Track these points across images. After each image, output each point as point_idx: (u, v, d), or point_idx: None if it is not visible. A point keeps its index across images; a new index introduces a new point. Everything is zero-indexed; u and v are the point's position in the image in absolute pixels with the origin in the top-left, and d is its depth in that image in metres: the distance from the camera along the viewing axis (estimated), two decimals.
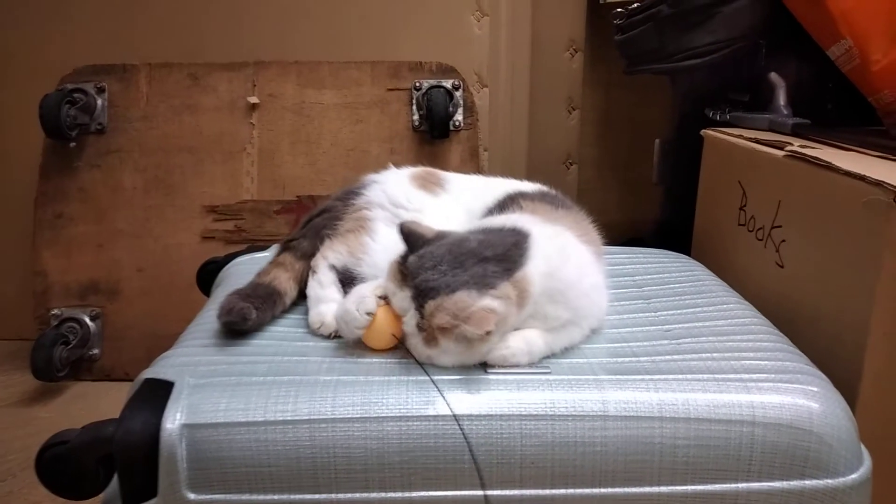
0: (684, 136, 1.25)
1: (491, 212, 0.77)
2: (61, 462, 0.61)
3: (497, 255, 0.66)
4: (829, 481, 0.61)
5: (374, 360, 0.67)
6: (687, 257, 0.98)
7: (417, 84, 1.24)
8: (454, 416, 0.60)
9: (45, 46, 1.29)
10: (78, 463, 0.60)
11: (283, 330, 0.74)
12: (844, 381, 0.68)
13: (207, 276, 1.00)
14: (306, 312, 0.77)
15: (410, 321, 0.64)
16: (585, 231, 0.79)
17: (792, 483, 0.61)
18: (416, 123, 1.25)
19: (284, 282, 0.79)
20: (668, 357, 0.68)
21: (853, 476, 0.62)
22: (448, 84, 1.24)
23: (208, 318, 0.77)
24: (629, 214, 1.50)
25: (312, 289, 0.77)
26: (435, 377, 0.63)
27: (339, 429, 0.60)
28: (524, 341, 0.66)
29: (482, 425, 0.60)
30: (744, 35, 1.06)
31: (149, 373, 0.66)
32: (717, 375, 0.65)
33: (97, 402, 1.17)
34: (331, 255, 0.79)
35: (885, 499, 0.63)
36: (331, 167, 1.25)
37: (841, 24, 0.91)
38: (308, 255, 0.82)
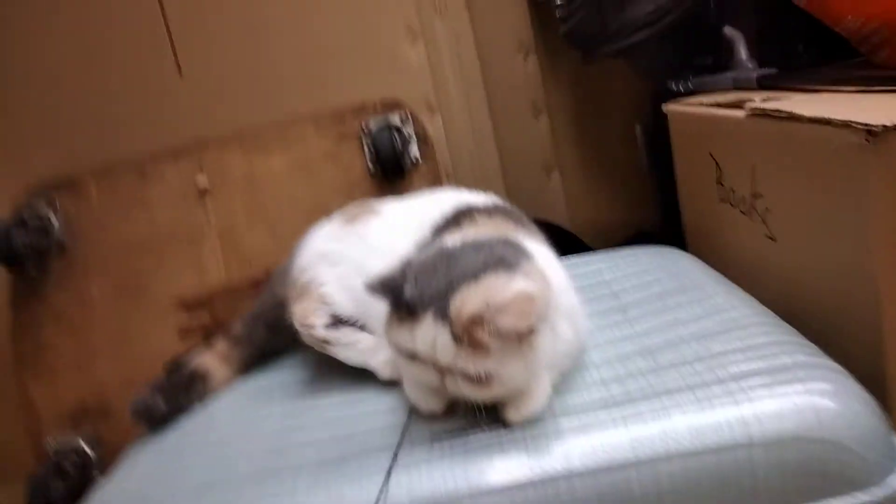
0: (659, 116, 1.15)
1: (441, 230, 0.68)
2: None
3: (501, 243, 0.57)
4: (861, 495, 0.50)
5: (308, 451, 0.59)
6: (672, 250, 0.87)
7: (364, 126, 1.18)
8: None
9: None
10: None
11: (216, 436, 0.67)
12: (866, 365, 0.57)
13: None
14: (245, 407, 0.71)
15: (443, 343, 0.52)
16: (547, 246, 0.70)
17: None
18: (372, 168, 1.18)
19: (210, 362, 0.79)
20: (642, 380, 0.58)
21: (891, 480, 0.50)
22: (395, 119, 1.17)
23: (142, 438, 0.71)
24: (628, 211, 1.38)
25: (341, 350, 0.71)
26: (364, 461, 0.55)
27: None
28: (541, 382, 0.56)
29: None
30: None
31: None
32: (698, 392, 0.54)
33: None
34: (313, 319, 0.72)
35: None
36: (293, 232, 1.17)
37: None
38: (241, 340, 0.81)
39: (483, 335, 0.51)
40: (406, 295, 0.54)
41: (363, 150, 1.18)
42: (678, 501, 0.50)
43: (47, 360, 1.20)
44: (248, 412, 0.70)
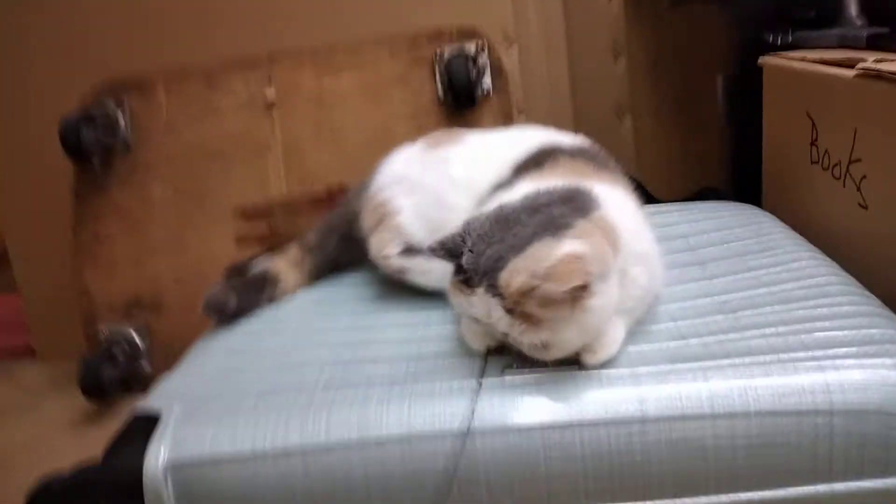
0: (747, 68, 1.10)
1: (521, 169, 0.67)
2: None
3: (560, 200, 0.56)
4: None
5: (378, 366, 0.60)
6: (752, 207, 0.85)
7: (438, 53, 1.15)
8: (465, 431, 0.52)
9: (61, 66, 1.28)
10: None
11: (284, 339, 0.67)
12: None
13: None
14: (313, 318, 0.71)
15: (497, 315, 0.52)
16: (629, 191, 0.68)
17: (889, 481, 0.49)
18: (442, 95, 1.15)
19: (282, 267, 0.79)
20: (722, 336, 0.57)
21: None
22: (471, 48, 1.14)
23: (210, 334, 0.72)
24: (698, 162, 1.34)
25: (418, 277, 0.71)
26: (436, 383, 0.55)
27: (334, 456, 0.53)
28: (615, 327, 0.56)
29: (498, 440, 0.52)
30: None
31: (140, 405, 0.61)
32: (782, 355, 0.53)
33: None
34: (388, 249, 0.73)
35: None
36: (358, 153, 1.18)
37: None
38: (314, 248, 0.81)
39: (532, 307, 0.50)
40: (463, 264, 0.54)
41: (435, 76, 1.16)
42: (752, 458, 0.50)
43: (105, 251, 1.23)
44: (316, 322, 0.70)
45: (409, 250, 0.71)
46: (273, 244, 1.19)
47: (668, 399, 0.51)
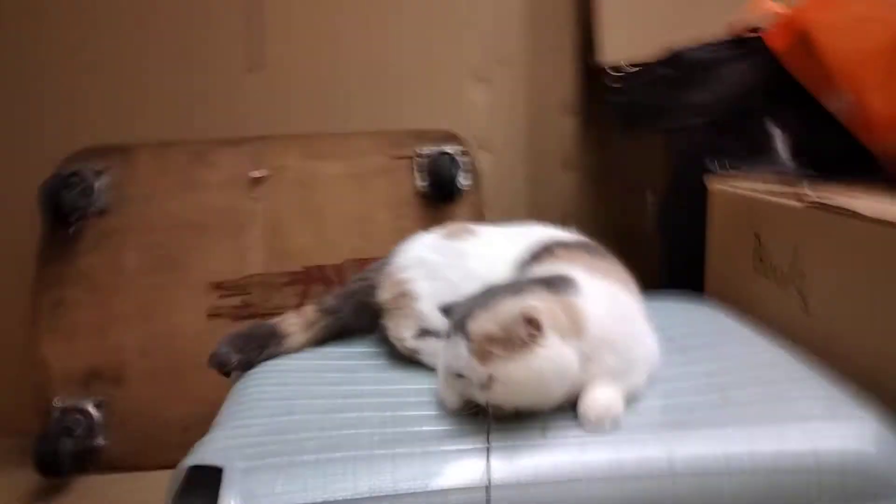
0: (682, 188, 1.27)
1: (526, 261, 0.76)
2: None
3: (539, 281, 0.66)
4: None
5: (427, 428, 0.65)
6: (710, 303, 0.99)
7: (420, 151, 1.26)
8: (487, 485, 0.58)
9: (42, 130, 1.28)
10: None
11: (323, 402, 0.72)
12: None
13: None
14: (343, 383, 0.76)
15: (464, 356, 0.61)
16: (625, 280, 0.78)
17: None
18: (421, 189, 1.26)
19: (292, 325, 0.84)
20: (720, 410, 0.68)
21: None
22: (451, 149, 1.26)
23: (243, 397, 0.75)
24: (630, 269, 1.51)
25: (429, 359, 0.77)
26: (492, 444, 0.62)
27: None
28: (615, 391, 0.65)
29: (545, 490, 0.59)
30: (744, 92, 1.10)
31: (192, 459, 0.63)
32: (774, 425, 0.64)
33: (106, 497, 1.11)
34: (405, 332, 0.80)
35: None
36: (337, 236, 1.25)
37: (839, 76, 0.94)
38: (331, 312, 0.86)
39: (488, 345, 0.60)
40: (450, 319, 0.65)
41: (414, 171, 1.26)
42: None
43: (66, 319, 1.20)
44: (344, 384, 0.75)
45: (424, 332, 0.78)
46: (242, 319, 1.22)
47: (692, 458, 0.61)
